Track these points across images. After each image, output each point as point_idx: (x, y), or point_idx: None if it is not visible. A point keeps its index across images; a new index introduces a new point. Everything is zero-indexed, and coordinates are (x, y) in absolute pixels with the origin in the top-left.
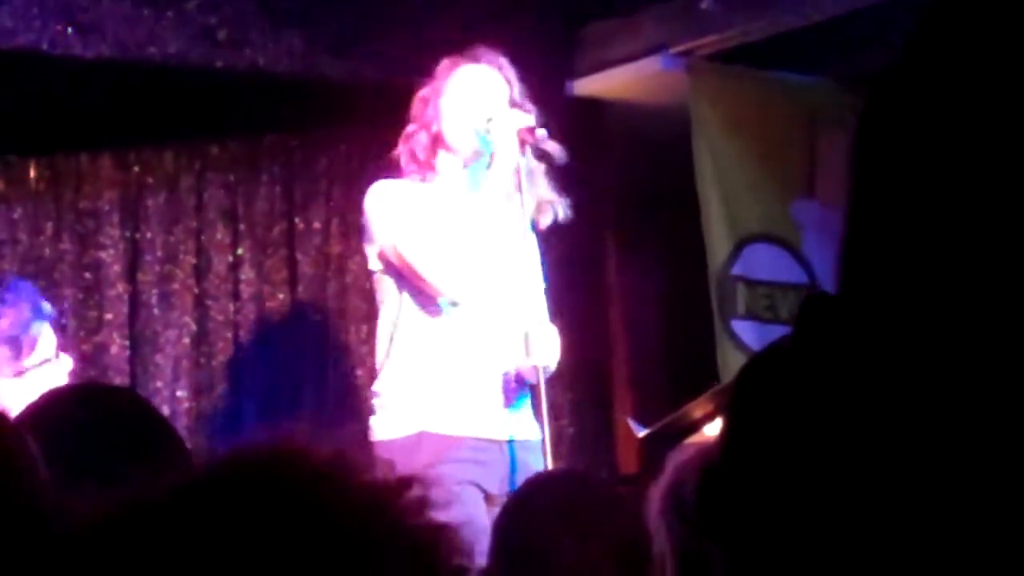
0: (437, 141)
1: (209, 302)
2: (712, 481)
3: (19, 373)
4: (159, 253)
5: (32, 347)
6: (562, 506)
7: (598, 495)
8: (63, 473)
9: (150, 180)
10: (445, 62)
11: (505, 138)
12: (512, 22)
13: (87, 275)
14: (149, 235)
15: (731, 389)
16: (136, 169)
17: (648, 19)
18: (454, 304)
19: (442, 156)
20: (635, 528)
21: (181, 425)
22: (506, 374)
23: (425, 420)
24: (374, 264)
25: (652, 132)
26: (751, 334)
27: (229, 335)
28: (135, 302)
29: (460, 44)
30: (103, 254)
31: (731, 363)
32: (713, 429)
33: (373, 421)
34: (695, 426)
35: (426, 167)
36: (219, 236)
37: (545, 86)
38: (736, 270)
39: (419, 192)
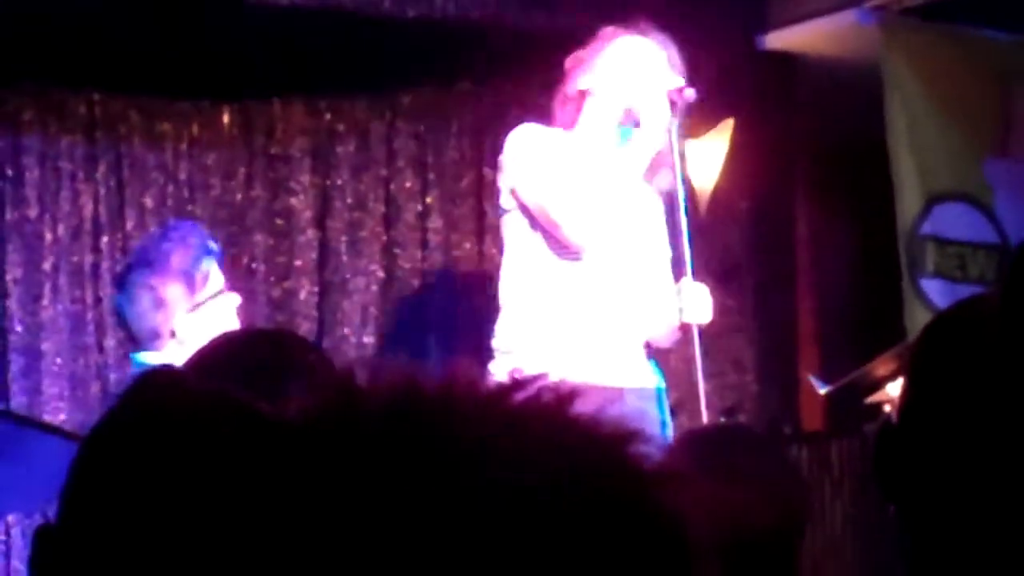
0: (585, 100)
1: (397, 250)
2: (891, 440)
3: (194, 308)
4: (349, 200)
5: (204, 282)
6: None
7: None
8: None
9: (341, 128)
10: (608, 29)
11: (656, 98)
12: None
13: (278, 221)
14: (339, 182)
15: (916, 347)
16: (327, 116)
17: None
18: (581, 252)
19: (589, 116)
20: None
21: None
22: (636, 331)
23: (546, 366)
24: (507, 202)
25: (844, 87)
26: (940, 293)
27: (416, 283)
28: (324, 249)
29: None
30: (294, 200)
31: (918, 322)
32: (896, 388)
33: (492, 367)
34: (878, 384)
35: (573, 124)
36: (408, 184)
37: (736, 39)
38: (926, 228)
39: (562, 140)
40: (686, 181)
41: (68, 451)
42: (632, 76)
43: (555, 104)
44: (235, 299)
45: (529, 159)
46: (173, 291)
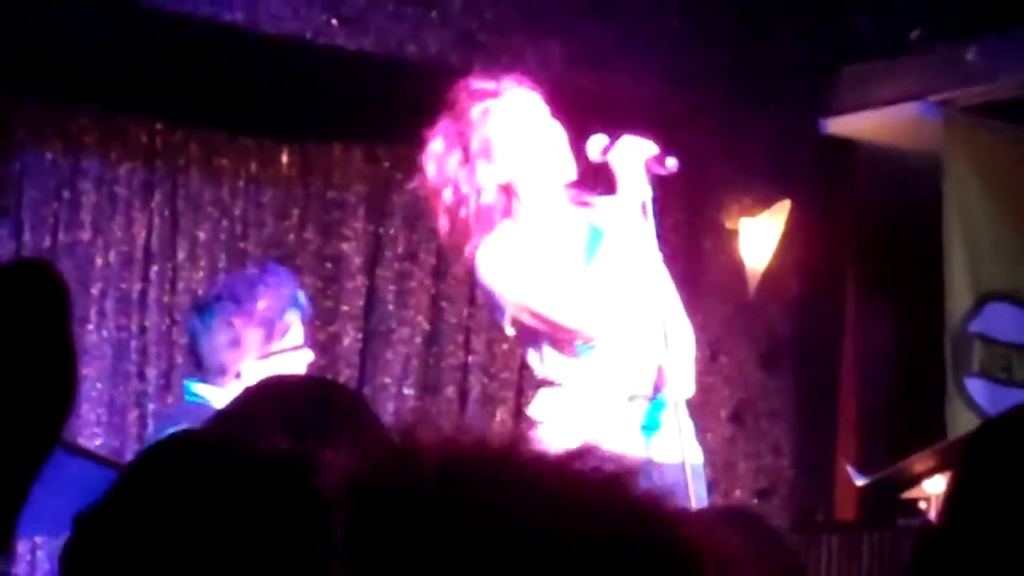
0: (508, 191)
1: (444, 303)
2: (934, 544)
3: (265, 356)
4: (400, 250)
5: (283, 333)
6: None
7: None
8: None
9: (398, 176)
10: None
11: (632, 170)
12: (773, 54)
13: (328, 265)
14: (392, 231)
15: (965, 449)
16: (386, 164)
17: (909, 65)
18: (591, 345)
19: (527, 205)
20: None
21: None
22: (643, 400)
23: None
24: (509, 331)
25: (902, 178)
26: (984, 393)
27: (460, 338)
28: (372, 296)
29: (718, 69)
30: (345, 245)
31: (960, 419)
32: (934, 485)
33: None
34: (916, 480)
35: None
36: None
37: (799, 121)
38: (975, 327)
39: (530, 244)
40: (736, 259)
41: (100, 477)
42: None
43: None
44: (309, 356)
45: (503, 278)
46: (252, 334)
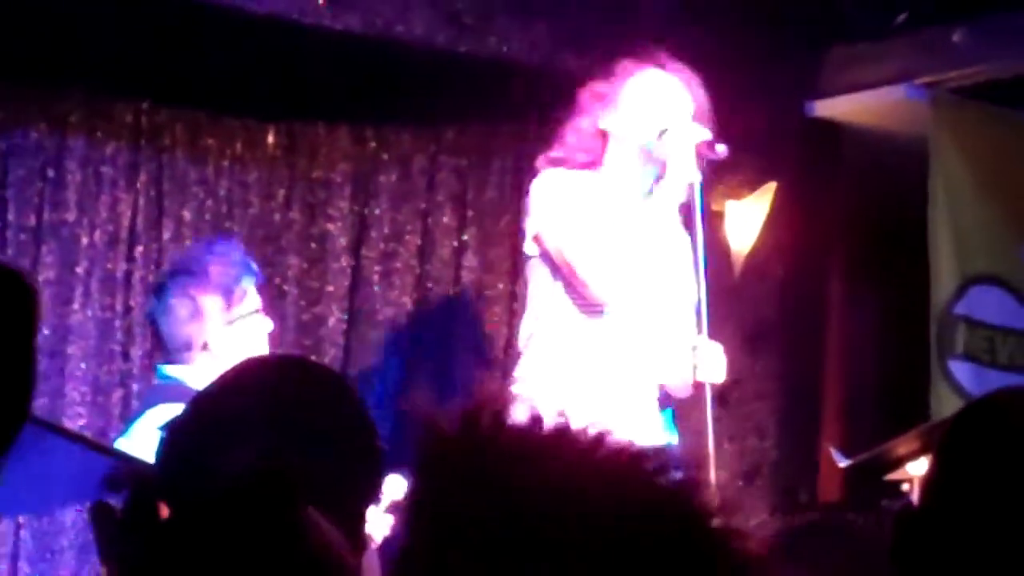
0: (606, 137)
1: (430, 284)
2: (913, 524)
3: (230, 322)
4: (385, 230)
5: (242, 298)
6: None
7: None
8: (254, 441)
9: (384, 157)
10: (626, 63)
11: (682, 151)
12: (759, 37)
13: (313, 245)
14: (378, 211)
15: (946, 433)
16: (372, 144)
17: (895, 47)
18: (603, 307)
19: (613, 157)
20: None
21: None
22: (652, 387)
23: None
24: (531, 248)
25: (888, 160)
26: (967, 375)
27: (446, 319)
28: (357, 277)
29: (704, 50)
30: (331, 226)
31: (944, 401)
32: (917, 467)
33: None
34: (900, 462)
35: (594, 163)
36: (446, 220)
37: (785, 104)
38: (959, 309)
39: (586, 186)
40: (721, 241)
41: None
42: (657, 116)
43: (570, 138)
44: (268, 324)
45: (554, 208)
46: (211, 303)
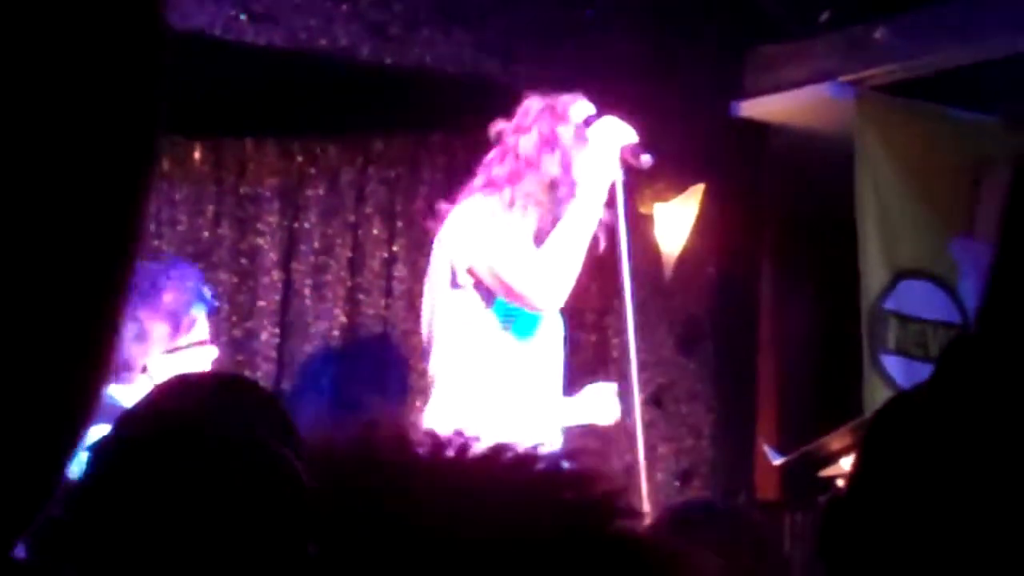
0: (525, 166)
1: (361, 296)
2: (838, 515)
3: (172, 351)
4: (315, 244)
5: (190, 327)
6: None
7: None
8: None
9: (312, 170)
10: (539, 105)
11: (607, 150)
12: (682, 39)
13: (243, 260)
14: (307, 225)
15: (869, 427)
16: (299, 159)
17: (819, 46)
18: (535, 330)
19: (529, 182)
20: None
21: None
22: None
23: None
24: (463, 279)
25: (814, 159)
26: (900, 370)
27: (379, 331)
28: (288, 291)
29: (628, 56)
30: (260, 241)
31: (877, 397)
32: (850, 462)
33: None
34: (833, 457)
35: (512, 188)
36: (376, 231)
37: (709, 105)
38: (889, 304)
39: (505, 211)
40: (651, 244)
41: None
42: (572, 142)
43: (487, 166)
44: (213, 352)
45: (482, 235)
46: (158, 328)
